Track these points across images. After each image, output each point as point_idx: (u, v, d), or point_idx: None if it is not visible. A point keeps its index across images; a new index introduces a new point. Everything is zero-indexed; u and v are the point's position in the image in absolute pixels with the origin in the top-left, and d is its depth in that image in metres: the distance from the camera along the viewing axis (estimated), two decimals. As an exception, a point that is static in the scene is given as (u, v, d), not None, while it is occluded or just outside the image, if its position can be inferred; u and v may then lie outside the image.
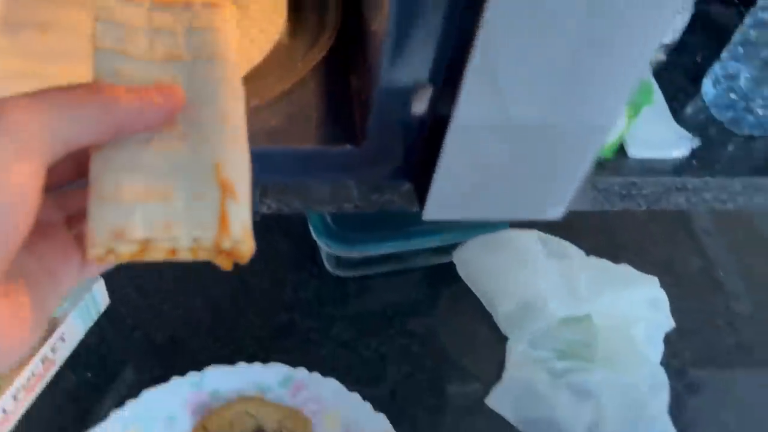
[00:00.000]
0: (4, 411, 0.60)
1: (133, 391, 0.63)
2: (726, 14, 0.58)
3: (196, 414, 0.64)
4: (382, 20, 0.34)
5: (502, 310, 0.74)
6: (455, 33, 0.33)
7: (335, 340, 0.74)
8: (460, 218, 0.41)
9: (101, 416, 0.62)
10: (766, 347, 0.81)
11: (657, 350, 0.73)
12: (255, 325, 0.74)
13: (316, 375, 0.68)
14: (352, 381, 0.68)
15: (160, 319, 0.73)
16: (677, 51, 0.55)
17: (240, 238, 0.27)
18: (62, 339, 0.65)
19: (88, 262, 0.28)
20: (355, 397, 0.67)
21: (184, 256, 0.28)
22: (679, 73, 0.55)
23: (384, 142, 0.40)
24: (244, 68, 0.41)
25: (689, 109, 0.53)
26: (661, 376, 0.69)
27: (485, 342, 0.76)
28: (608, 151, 0.47)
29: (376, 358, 0.73)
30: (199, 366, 0.66)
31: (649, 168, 0.48)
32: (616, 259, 0.78)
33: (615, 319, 0.72)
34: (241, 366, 0.68)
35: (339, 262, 0.78)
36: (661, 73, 0.53)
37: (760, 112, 0.49)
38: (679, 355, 0.79)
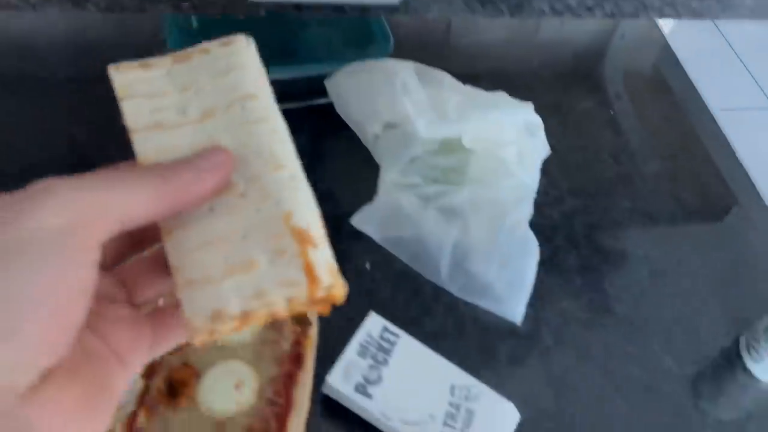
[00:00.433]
0: None
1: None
2: None
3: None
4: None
5: (371, 131, 0.72)
6: None
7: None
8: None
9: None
10: (645, 178, 0.81)
11: (530, 175, 0.72)
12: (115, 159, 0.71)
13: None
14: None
15: (13, 150, 0.70)
16: None
17: (331, 284, 0.27)
18: None
19: (160, 339, 0.28)
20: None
21: (283, 314, 0.27)
22: None
23: None
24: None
25: None
26: (526, 191, 0.68)
27: (361, 176, 0.75)
28: None
29: (243, 189, 0.71)
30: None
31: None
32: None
33: (486, 143, 0.70)
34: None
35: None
36: None
37: None
38: (558, 186, 0.78)
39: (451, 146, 0.72)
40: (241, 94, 0.30)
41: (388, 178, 0.71)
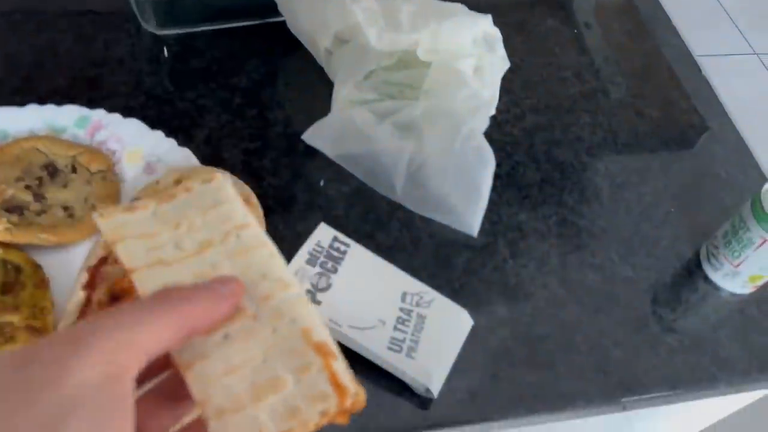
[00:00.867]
0: None
1: None
2: None
3: (-18, 155, 0.60)
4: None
5: (322, 46, 0.69)
6: None
7: (147, 94, 0.70)
8: None
9: None
10: (608, 96, 0.79)
11: (488, 88, 0.70)
12: (57, 80, 0.69)
13: (116, 116, 0.64)
14: (165, 132, 0.64)
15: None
16: None
17: (356, 391, 0.29)
18: None
19: None
20: (158, 134, 0.63)
21: (315, 426, 0.28)
22: None
23: None
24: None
25: None
26: (482, 101, 0.66)
27: (315, 95, 0.72)
28: None
29: (192, 109, 0.69)
30: (-17, 107, 0.61)
31: None
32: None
33: (442, 54, 0.68)
34: (32, 107, 0.63)
35: (162, 15, 0.72)
36: None
37: None
38: (520, 104, 0.77)
39: (407, 61, 0.70)
40: (235, 225, 0.32)
41: (341, 94, 0.68)
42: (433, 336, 0.55)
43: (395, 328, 0.54)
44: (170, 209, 0.33)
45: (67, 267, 0.55)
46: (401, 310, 0.55)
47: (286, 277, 0.31)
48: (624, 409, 0.59)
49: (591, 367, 0.58)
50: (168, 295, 0.28)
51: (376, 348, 0.53)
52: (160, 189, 0.59)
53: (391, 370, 0.54)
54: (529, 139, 0.73)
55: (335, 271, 0.56)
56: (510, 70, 0.72)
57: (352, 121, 0.67)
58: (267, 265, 0.31)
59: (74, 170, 0.60)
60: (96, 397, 0.24)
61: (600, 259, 0.65)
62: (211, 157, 0.65)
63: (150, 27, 0.74)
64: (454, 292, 0.60)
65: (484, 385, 0.56)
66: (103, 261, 0.55)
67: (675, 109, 0.79)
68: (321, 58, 0.73)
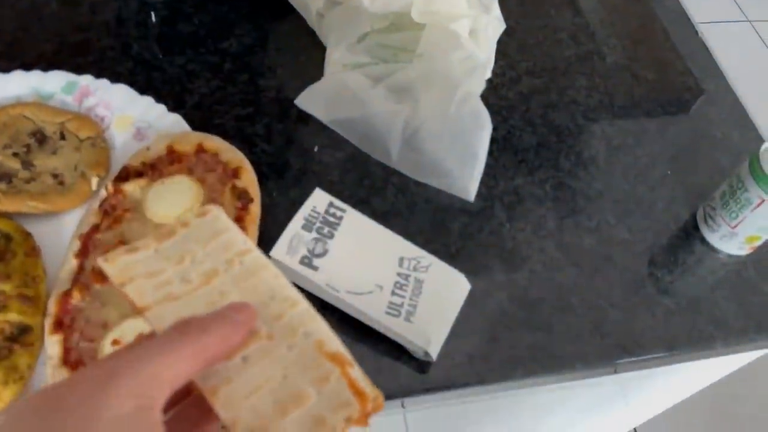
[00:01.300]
0: None
1: None
2: None
3: (-33, 122, 0.59)
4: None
5: (314, 8, 0.68)
6: None
7: (136, 59, 0.68)
8: None
9: None
10: (604, 58, 0.78)
11: (483, 50, 0.69)
12: (43, 44, 0.67)
13: (104, 81, 0.63)
14: (155, 98, 0.63)
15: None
16: None
17: (375, 395, 0.30)
18: None
19: None
20: (148, 100, 0.62)
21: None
22: None
23: None
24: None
25: None
26: (478, 63, 0.65)
27: (307, 59, 0.71)
28: None
29: (182, 74, 0.68)
30: (-34, 73, 0.60)
31: None
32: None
33: (437, 16, 0.67)
34: (18, 73, 0.61)
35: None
36: None
37: None
38: (516, 67, 0.75)
39: (401, 23, 0.69)
40: (236, 251, 0.34)
41: (334, 58, 0.67)
42: (431, 300, 0.54)
43: (393, 293, 0.54)
44: (171, 246, 0.34)
45: (58, 235, 0.54)
46: (399, 275, 0.55)
47: (293, 294, 0.33)
48: (615, 371, 0.59)
49: (588, 330, 0.58)
50: (186, 327, 0.29)
51: (375, 313, 0.53)
52: (152, 156, 0.58)
53: (389, 334, 0.53)
54: (525, 102, 0.72)
55: (331, 236, 0.55)
56: (505, 33, 0.71)
57: (345, 85, 0.66)
58: (273, 285, 0.33)
59: (63, 137, 0.58)
60: (131, 429, 0.25)
61: (596, 222, 0.65)
62: (202, 123, 0.64)
63: (136, -10, 0.72)
64: (451, 257, 0.59)
65: (482, 349, 0.56)
66: (96, 229, 0.54)
67: (671, 72, 0.79)
68: (312, 21, 0.71)
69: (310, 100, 0.66)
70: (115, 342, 0.48)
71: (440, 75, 0.65)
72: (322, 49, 0.70)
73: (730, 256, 0.64)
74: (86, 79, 0.62)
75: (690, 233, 0.66)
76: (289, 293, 0.33)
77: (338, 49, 0.67)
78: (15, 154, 0.56)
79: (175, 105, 0.64)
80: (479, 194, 0.64)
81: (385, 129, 0.65)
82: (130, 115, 0.61)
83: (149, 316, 0.31)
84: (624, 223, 0.65)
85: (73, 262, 0.52)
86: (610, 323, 0.59)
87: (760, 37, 2.23)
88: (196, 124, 0.63)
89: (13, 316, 0.48)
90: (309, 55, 0.71)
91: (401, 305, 0.53)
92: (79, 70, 0.63)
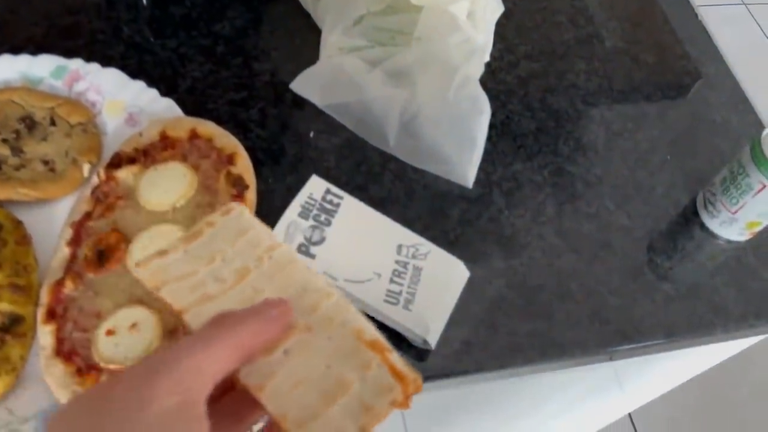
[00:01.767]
0: None
1: None
2: None
3: (-46, 108, 0.58)
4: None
5: (308, -9, 0.67)
6: None
7: (127, 42, 0.66)
8: None
9: None
10: (603, 41, 0.77)
11: (482, 33, 0.67)
12: (32, 27, 0.65)
13: (95, 65, 0.61)
14: (146, 82, 0.61)
15: None
16: None
17: (415, 377, 0.31)
18: None
19: None
20: (140, 84, 0.61)
21: (386, 416, 0.30)
22: None
23: None
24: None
25: None
26: (476, 47, 0.64)
27: (302, 42, 0.70)
28: None
29: (174, 58, 0.66)
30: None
31: None
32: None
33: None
34: (5, 57, 0.60)
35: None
36: None
37: None
38: (514, 50, 0.74)
39: (397, 6, 0.67)
40: (265, 247, 0.34)
41: (330, 41, 0.66)
42: (429, 288, 0.54)
43: (391, 281, 0.53)
44: (200, 246, 0.34)
45: (49, 223, 0.53)
46: (397, 262, 0.54)
47: (325, 285, 0.34)
48: (611, 359, 0.59)
49: (587, 316, 0.58)
50: (222, 321, 0.30)
51: (373, 301, 0.52)
52: (144, 142, 0.57)
53: (388, 322, 0.53)
54: (523, 87, 0.71)
55: (329, 224, 0.55)
56: (503, 15, 0.70)
57: (341, 69, 0.65)
58: (305, 278, 0.34)
59: (53, 123, 0.57)
60: (177, 423, 0.26)
61: (595, 208, 0.64)
62: (195, 107, 0.63)
63: (126, -28, 0.70)
64: (450, 244, 0.59)
65: (481, 336, 0.55)
66: (88, 216, 0.53)
67: (670, 55, 0.78)
68: (307, 3, 0.70)
69: (305, 85, 0.65)
70: (109, 332, 0.48)
71: (438, 59, 0.63)
72: (316, 31, 0.68)
73: (729, 241, 0.64)
74: (76, 63, 0.61)
75: (690, 219, 0.65)
76: (322, 284, 0.34)
77: (334, 32, 0.66)
78: (4, 140, 0.55)
79: (167, 89, 0.63)
80: (477, 180, 0.63)
81: (382, 114, 0.64)
82: (121, 100, 0.60)
83: (188, 317, 0.32)
84: (623, 208, 0.64)
85: (65, 251, 0.51)
86: (609, 310, 0.58)
87: (755, 19, 2.22)
88: (189, 109, 0.61)
89: (5, 306, 0.47)
90: (304, 37, 0.70)
91: (400, 293, 0.53)
92: (69, 53, 0.62)
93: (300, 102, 0.66)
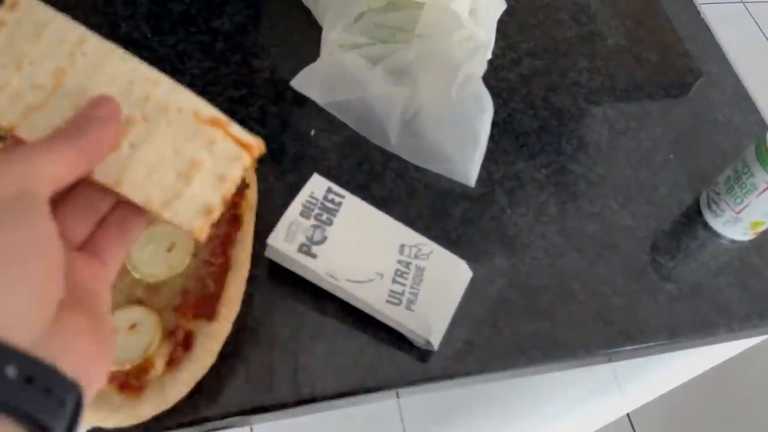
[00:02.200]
0: None
1: None
2: None
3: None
4: None
5: (308, -12, 0.66)
6: None
7: (125, 39, 0.66)
8: None
9: None
10: (605, 39, 0.77)
11: (484, 29, 0.67)
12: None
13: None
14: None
15: None
16: None
17: (258, 141, 0.33)
18: None
19: (109, 270, 0.32)
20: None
21: (241, 179, 0.33)
22: None
23: None
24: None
25: None
26: (479, 44, 0.63)
27: (303, 39, 0.69)
28: None
29: (172, 55, 0.66)
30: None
31: None
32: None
33: (436, -5, 0.65)
34: None
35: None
36: None
37: None
38: (517, 48, 0.74)
39: (398, 2, 0.66)
40: (72, 43, 0.32)
41: (330, 38, 0.65)
42: (432, 288, 0.53)
43: (394, 281, 0.52)
44: (0, 52, 0.32)
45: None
46: (399, 262, 0.54)
47: (150, 73, 0.33)
48: (610, 360, 0.58)
49: (590, 316, 0.57)
50: (54, 134, 0.29)
51: (375, 301, 0.51)
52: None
53: (390, 323, 0.52)
54: (526, 85, 0.71)
55: (330, 223, 0.54)
56: (505, 13, 0.70)
57: (342, 66, 0.64)
58: (127, 69, 0.32)
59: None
60: (13, 208, 0.26)
61: (599, 208, 0.64)
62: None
63: (124, -33, 0.69)
64: (452, 243, 0.58)
65: (484, 337, 0.55)
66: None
67: (673, 54, 0.77)
68: (308, 0, 0.69)
69: (306, 82, 0.64)
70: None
71: (440, 56, 0.63)
72: (316, 28, 0.68)
73: (733, 241, 0.64)
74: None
75: (693, 218, 0.65)
76: (147, 73, 0.33)
77: (335, 29, 0.65)
78: (1, 138, 0.54)
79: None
80: (479, 179, 0.63)
81: (383, 112, 0.63)
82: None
83: (21, 133, 0.31)
84: (627, 208, 0.64)
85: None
86: (612, 310, 0.58)
87: (753, 18, 2.22)
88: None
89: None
90: (303, 34, 0.69)
91: (402, 293, 0.52)
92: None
93: (300, 100, 0.65)
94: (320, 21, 0.68)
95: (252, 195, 0.54)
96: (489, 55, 0.69)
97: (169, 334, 0.47)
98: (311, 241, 0.53)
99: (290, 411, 0.50)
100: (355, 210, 0.55)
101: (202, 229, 0.32)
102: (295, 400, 0.50)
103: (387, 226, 0.56)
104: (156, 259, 0.49)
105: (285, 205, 0.54)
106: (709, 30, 0.80)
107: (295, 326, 0.52)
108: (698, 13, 0.82)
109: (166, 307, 0.48)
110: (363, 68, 0.64)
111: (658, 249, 0.62)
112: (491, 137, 0.64)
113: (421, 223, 0.59)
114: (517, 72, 0.72)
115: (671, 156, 0.68)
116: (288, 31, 0.70)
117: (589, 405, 0.98)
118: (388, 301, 0.52)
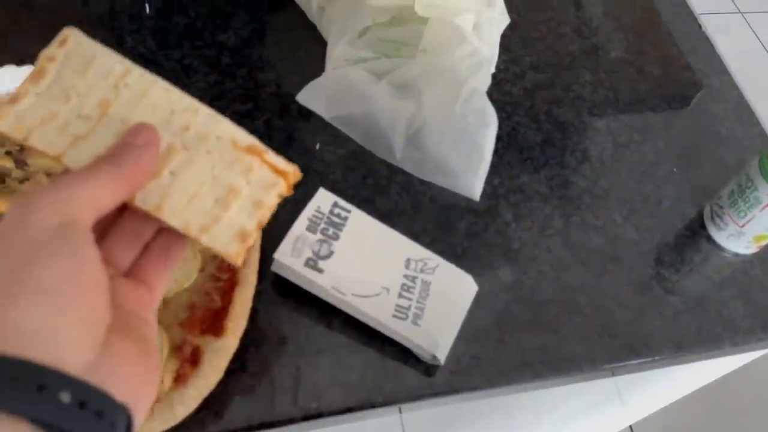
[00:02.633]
0: None
1: None
2: None
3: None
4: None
5: (314, 1, 0.66)
6: None
7: (131, 53, 0.66)
8: None
9: None
10: (608, 52, 0.77)
11: (488, 44, 0.67)
12: (35, 38, 0.65)
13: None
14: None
15: None
16: None
17: (294, 168, 0.35)
18: None
19: (154, 295, 0.33)
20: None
21: (276, 206, 0.34)
22: None
23: None
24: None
25: None
26: (483, 59, 0.64)
27: (308, 53, 0.69)
28: None
29: (178, 69, 0.66)
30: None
31: None
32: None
33: (441, 9, 0.65)
34: (9, 68, 0.59)
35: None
36: None
37: None
38: (520, 62, 0.74)
39: (403, 17, 0.67)
40: (117, 75, 0.33)
41: (335, 53, 0.65)
42: (438, 302, 0.53)
43: (400, 296, 0.53)
44: (50, 86, 0.33)
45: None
46: (405, 276, 0.54)
47: (191, 103, 0.34)
48: (613, 374, 0.58)
49: (596, 330, 0.57)
50: (94, 162, 0.30)
51: (382, 316, 0.51)
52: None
53: (396, 337, 0.52)
54: (529, 98, 0.71)
55: (337, 238, 0.54)
56: (508, 27, 0.70)
57: (347, 80, 0.64)
58: (169, 100, 0.33)
59: (57, 135, 0.56)
60: (58, 237, 0.27)
61: (603, 221, 0.64)
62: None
63: (130, -18, 0.70)
64: (457, 257, 0.58)
65: (489, 351, 0.55)
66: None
67: (675, 67, 0.78)
68: (313, 14, 0.70)
69: (311, 96, 0.65)
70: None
71: (444, 71, 0.63)
72: (321, 42, 0.68)
73: (737, 255, 0.64)
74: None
75: (696, 232, 0.65)
76: (187, 103, 0.34)
77: (340, 43, 0.65)
78: (8, 153, 0.54)
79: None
80: (484, 193, 0.63)
81: (388, 126, 0.63)
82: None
83: (67, 161, 0.32)
84: (630, 221, 0.64)
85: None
86: (618, 324, 0.58)
87: (751, 28, 2.23)
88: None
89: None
90: (308, 49, 0.69)
91: (408, 308, 0.52)
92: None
93: (306, 114, 0.65)
94: (325, 35, 0.69)
95: (258, 210, 0.54)
96: (492, 70, 0.69)
97: (176, 349, 0.47)
98: (318, 255, 0.53)
99: (296, 426, 0.50)
100: (361, 224, 0.56)
101: (238, 254, 0.33)
102: (302, 415, 0.50)
103: (393, 241, 0.56)
104: (163, 274, 0.49)
105: (291, 219, 0.54)
106: (710, 43, 0.80)
107: (301, 341, 0.53)
108: (699, 26, 0.82)
109: (173, 322, 0.48)
110: (368, 82, 0.64)
111: (663, 262, 0.62)
112: (495, 151, 0.64)
113: (426, 236, 0.59)
114: (520, 86, 0.72)
115: (674, 169, 0.69)
116: (293, 46, 0.70)
117: (592, 416, 0.98)
118: (394, 316, 0.52)
